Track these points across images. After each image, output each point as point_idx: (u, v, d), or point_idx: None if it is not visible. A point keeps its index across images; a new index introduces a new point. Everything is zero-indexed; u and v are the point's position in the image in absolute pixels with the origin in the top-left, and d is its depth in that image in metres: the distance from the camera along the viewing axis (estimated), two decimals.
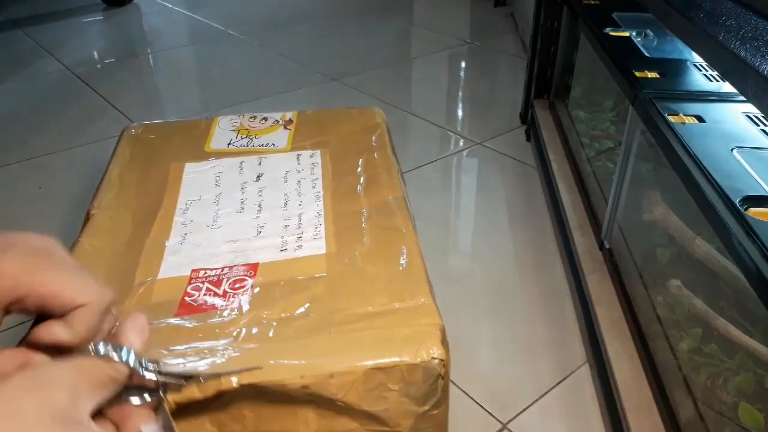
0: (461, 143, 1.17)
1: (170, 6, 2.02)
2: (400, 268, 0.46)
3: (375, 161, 0.58)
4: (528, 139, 1.16)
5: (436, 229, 0.93)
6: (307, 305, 0.42)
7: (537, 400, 0.64)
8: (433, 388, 0.40)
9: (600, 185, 0.84)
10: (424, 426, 0.41)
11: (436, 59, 1.58)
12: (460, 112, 1.34)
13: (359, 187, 0.55)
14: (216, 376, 0.37)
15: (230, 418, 0.38)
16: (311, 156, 0.60)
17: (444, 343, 0.40)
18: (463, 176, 1.09)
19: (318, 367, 0.38)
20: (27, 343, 0.30)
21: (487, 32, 1.77)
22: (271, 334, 0.40)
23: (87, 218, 0.52)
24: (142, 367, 0.30)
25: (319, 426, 0.39)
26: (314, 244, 0.48)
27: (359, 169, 0.57)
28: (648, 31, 0.82)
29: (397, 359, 0.38)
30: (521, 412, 0.63)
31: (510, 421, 0.62)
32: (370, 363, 0.38)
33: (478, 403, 0.64)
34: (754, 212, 0.45)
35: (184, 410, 0.37)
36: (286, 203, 0.53)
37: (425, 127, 1.22)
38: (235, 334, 0.40)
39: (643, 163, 0.69)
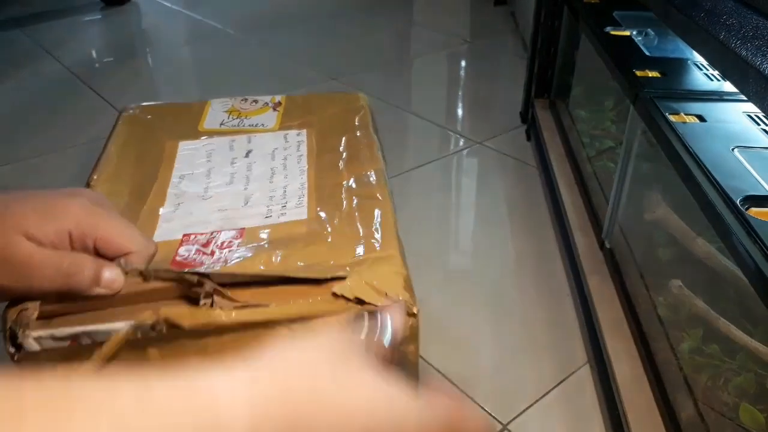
0: (461, 143, 1.17)
1: (169, 5, 2.02)
2: (374, 228, 0.50)
3: (357, 139, 0.62)
4: (528, 138, 1.16)
5: (435, 229, 0.92)
6: (288, 256, 0.46)
7: (537, 400, 0.64)
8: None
9: (601, 185, 0.84)
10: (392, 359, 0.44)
11: (436, 58, 1.58)
12: (460, 112, 1.34)
13: (341, 163, 0.58)
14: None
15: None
16: (297, 135, 0.63)
17: (407, 288, 0.44)
18: (463, 176, 1.09)
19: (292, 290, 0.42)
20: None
21: (487, 31, 1.77)
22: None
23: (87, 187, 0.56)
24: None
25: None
26: (297, 211, 0.52)
27: (341, 147, 0.60)
28: (649, 30, 0.82)
29: (362, 297, 0.42)
30: (522, 413, 0.63)
31: (510, 421, 0.62)
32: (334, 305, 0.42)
33: (479, 404, 0.64)
34: (755, 212, 0.45)
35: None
36: (272, 176, 0.57)
37: (425, 127, 1.22)
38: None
39: (644, 162, 0.69)
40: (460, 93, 1.44)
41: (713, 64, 0.54)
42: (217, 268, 0.46)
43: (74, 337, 0.42)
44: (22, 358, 0.42)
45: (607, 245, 0.77)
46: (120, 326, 0.41)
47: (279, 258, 0.46)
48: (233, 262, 0.46)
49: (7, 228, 0.36)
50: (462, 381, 0.66)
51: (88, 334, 0.42)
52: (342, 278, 0.42)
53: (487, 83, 1.47)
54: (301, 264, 0.45)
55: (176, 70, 1.54)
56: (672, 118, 0.59)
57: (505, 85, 1.43)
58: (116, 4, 1.94)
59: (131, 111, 0.67)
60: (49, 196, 0.38)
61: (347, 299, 0.42)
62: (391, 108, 1.25)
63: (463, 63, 1.59)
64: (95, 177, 0.56)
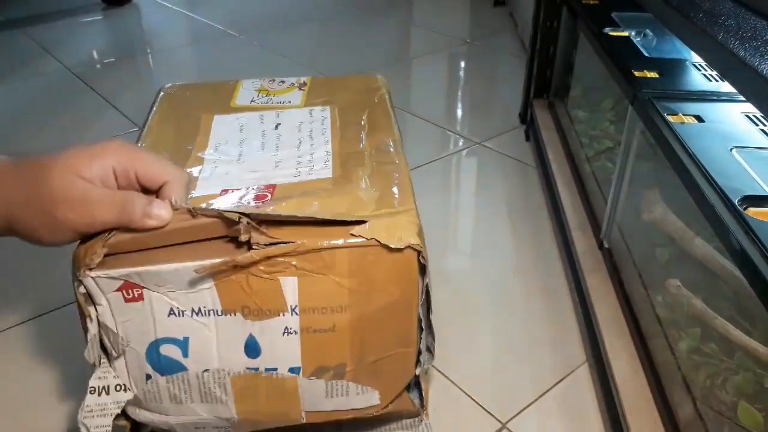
0: (461, 143, 1.17)
1: (170, 6, 2.02)
2: (392, 188, 0.54)
3: (376, 114, 0.67)
4: (527, 138, 1.16)
5: (435, 229, 0.93)
6: (315, 205, 0.50)
7: (536, 399, 0.64)
8: (408, 269, 0.49)
9: (599, 185, 0.84)
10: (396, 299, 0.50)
11: (435, 59, 1.58)
12: (459, 112, 1.34)
13: (362, 134, 0.63)
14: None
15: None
16: (322, 111, 0.68)
17: (420, 236, 0.48)
18: (462, 176, 1.09)
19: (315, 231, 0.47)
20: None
21: (486, 32, 1.77)
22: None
23: None
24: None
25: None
26: (323, 172, 0.57)
27: (362, 121, 0.65)
28: (647, 30, 0.82)
29: (378, 239, 0.47)
30: (520, 412, 0.63)
31: (509, 420, 0.62)
32: (353, 241, 0.47)
33: (478, 403, 0.64)
34: (753, 212, 0.46)
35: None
36: (299, 145, 0.62)
37: (424, 127, 1.22)
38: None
39: (643, 162, 0.69)
40: (459, 93, 1.44)
41: (711, 64, 0.54)
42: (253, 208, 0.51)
43: (127, 277, 0.46)
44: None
45: (606, 245, 0.77)
46: (172, 267, 0.46)
47: (307, 206, 0.51)
48: (265, 207, 0.51)
49: (64, 171, 0.41)
50: (461, 379, 0.66)
51: (139, 274, 0.46)
52: (363, 222, 0.47)
53: (486, 83, 1.47)
54: (320, 212, 0.50)
55: (177, 71, 1.55)
56: (670, 118, 0.59)
57: (504, 86, 1.43)
58: (117, 5, 1.95)
59: (170, 90, 0.73)
60: (88, 144, 0.43)
61: (365, 239, 0.47)
62: None
63: (462, 63, 1.59)
64: (140, 144, 0.62)
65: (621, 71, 0.70)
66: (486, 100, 1.37)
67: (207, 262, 0.45)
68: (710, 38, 0.46)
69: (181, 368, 0.50)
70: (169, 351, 0.49)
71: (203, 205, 0.50)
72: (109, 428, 0.50)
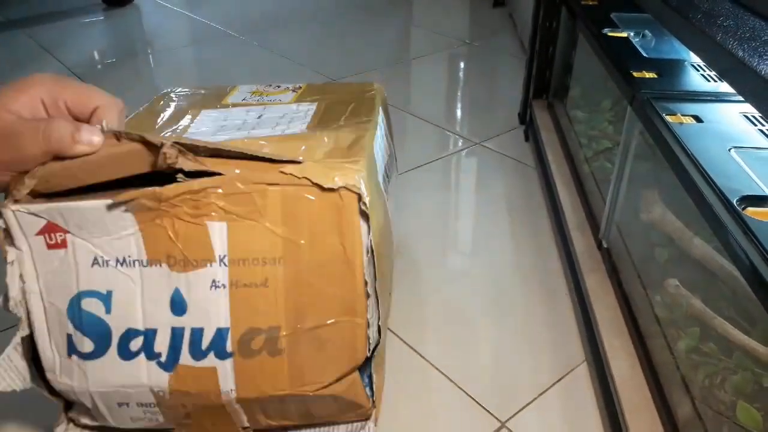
0: (460, 143, 1.17)
1: (170, 6, 2.02)
2: (350, 145, 0.53)
3: (360, 109, 0.65)
4: (527, 138, 1.16)
5: (434, 229, 0.93)
6: (264, 149, 0.50)
7: (535, 398, 0.65)
8: (349, 219, 0.46)
9: (598, 185, 0.84)
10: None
11: (435, 59, 1.59)
12: (458, 112, 1.34)
13: (342, 118, 0.62)
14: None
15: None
16: (308, 105, 0.67)
17: (364, 181, 0.47)
18: (462, 176, 1.09)
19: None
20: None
21: (485, 32, 1.77)
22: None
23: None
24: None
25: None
26: (296, 129, 0.59)
27: (346, 113, 0.64)
28: (646, 31, 0.82)
29: (310, 178, 0.45)
30: (520, 411, 0.63)
31: (509, 419, 0.62)
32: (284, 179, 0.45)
33: (477, 402, 0.64)
34: (751, 212, 0.46)
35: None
36: (275, 126, 0.61)
37: (424, 127, 1.23)
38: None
39: (641, 163, 0.69)
40: (458, 94, 1.44)
41: (710, 65, 0.54)
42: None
43: (48, 215, 0.44)
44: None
45: (605, 245, 0.77)
46: (93, 204, 0.44)
47: (253, 147, 0.49)
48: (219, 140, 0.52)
49: None
50: (460, 379, 0.66)
51: (60, 211, 0.44)
52: (297, 162, 0.45)
53: (486, 84, 1.47)
54: (266, 151, 0.48)
55: (177, 71, 1.55)
56: (669, 118, 0.59)
57: (503, 86, 1.43)
58: (117, 5, 1.95)
59: (167, 91, 0.74)
60: (17, 79, 0.42)
61: (297, 177, 0.44)
62: (390, 108, 1.25)
63: (461, 64, 1.59)
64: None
65: (620, 72, 0.70)
66: (485, 101, 1.37)
67: (128, 194, 0.43)
68: (709, 39, 0.47)
69: (103, 326, 0.46)
70: (91, 306, 0.46)
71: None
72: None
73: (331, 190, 0.44)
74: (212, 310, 0.46)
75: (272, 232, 0.45)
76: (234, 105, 0.68)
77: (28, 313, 0.46)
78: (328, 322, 0.47)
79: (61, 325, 0.47)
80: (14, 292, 0.45)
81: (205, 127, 0.62)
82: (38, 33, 1.74)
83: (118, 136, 0.44)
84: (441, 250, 0.89)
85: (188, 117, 0.64)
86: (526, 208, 0.97)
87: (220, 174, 0.44)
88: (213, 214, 0.44)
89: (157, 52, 1.66)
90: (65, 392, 0.49)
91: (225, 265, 0.45)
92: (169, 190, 0.43)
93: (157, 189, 0.43)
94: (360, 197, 0.45)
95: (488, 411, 0.63)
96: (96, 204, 0.43)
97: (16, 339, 0.46)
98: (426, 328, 0.74)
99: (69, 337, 0.47)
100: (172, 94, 0.73)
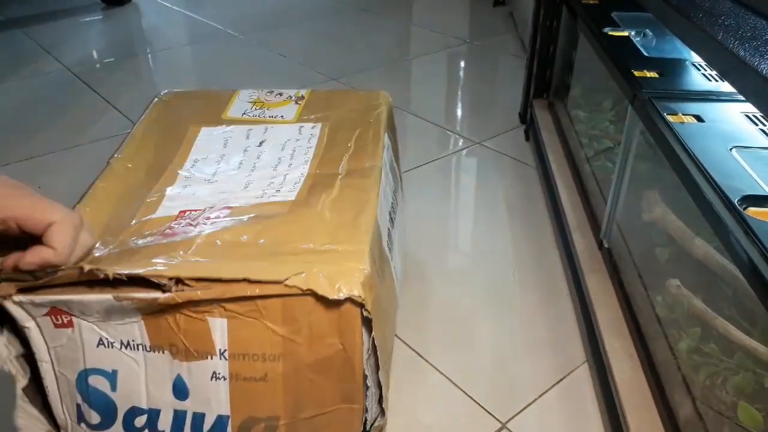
0: (460, 143, 1.17)
1: (169, 5, 2.02)
2: (352, 220, 0.51)
3: (367, 135, 0.64)
4: (527, 138, 1.16)
5: (435, 229, 0.93)
6: (259, 233, 0.49)
7: (536, 399, 0.64)
8: (350, 322, 0.45)
9: (599, 185, 0.84)
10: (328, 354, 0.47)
11: (435, 59, 1.58)
12: (459, 112, 1.34)
13: (345, 156, 0.61)
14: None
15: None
16: (312, 128, 0.66)
17: (365, 285, 0.45)
18: (462, 176, 1.09)
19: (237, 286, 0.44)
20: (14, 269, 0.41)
21: (486, 32, 1.77)
22: (217, 251, 0.47)
23: (105, 166, 0.60)
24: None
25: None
26: (288, 195, 0.55)
27: (350, 143, 0.63)
28: (647, 30, 0.82)
29: (314, 290, 0.44)
30: (520, 412, 0.63)
31: (509, 420, 0.62)
32: (287, 290, 0.44)
33: (478, 403, 0.64)
34: (753, 212, 0.46)
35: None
36: (277, 165, 0.60)
37: (424, 127, 1.22)
38: (186, 250, 0.47)
39: (642, 162, 0.69)
40: (459, 93, 1.44)
41: (711, 64, 0.54)
42: (196, 234, 0.49)
43: (53, 305, 0.45)
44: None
45: (606, 245, 0.77)
46: (97, 298, 0.44)
47: (254, 231, 0.49)
48: (208, 231, 0.50)
49: None
50: (461, 379, 0.66)
51: (65, 302, 0.44)
52: (299, 274, 0.44)
53: (486, 83, 1.47)
54: (264, 242, 0.48)
55: (177, 71, 1.55)
56: (670, 118, 0.59)
57: (504, 86, 1.43)
58: (116, 5, 1.94)
59: (164, 97, 0.72)
60: None
61: (301, 289, 0.44)
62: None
63: (462, 63, 1.59)
64: (117, 156, 0.61)
65: (621, 71, 0.70)
66: (486, 100, 1.37)
67: (131, 294, 0.44)
68: (710, 38, 0.46)
69: (109, 402, 0.48)
70: (98, 382, 0.48)
71: (155, 231, 0.50)
72: None
73: (336, 301, 0.44)
74: (213, 398, 0.47)
75: (272, 331, 0.45)
76: (234, 121, 0.68)
77: (42, 380, 0.48)
78: (326, 411, 0.49)
79: (71, 395, 0.48)
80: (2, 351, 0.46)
81: (205, 158, 0.61)
82: (37, 32, 1.73)
83: (113, 282, 0.44)
84: (441, 250, 0.89)
85: (188, 139, 0.64)
86: (526, 208, 0.97)
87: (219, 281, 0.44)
88: (214, 311, 0.45)
89: (156, 52, 1.66)
90: None
91: (225, 359, 0.46)
92: (167, 298, 0.43)
93: (160, 297, 0.43)
94: (363, 306, 0.45)
95: (489, 412, 0.63)
96: (99, 298, 0.44)
97: (18, 392, 0.47)
98: (426, 329, 0.74)
99: (78, 406, 0.49)
100: (170, 99, 0.72)
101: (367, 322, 0.45)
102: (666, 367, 0.58)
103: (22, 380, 0.47)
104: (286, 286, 0.44)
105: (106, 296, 0.44)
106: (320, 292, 0.44)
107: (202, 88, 0.76)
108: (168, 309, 0.45)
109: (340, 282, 0.44)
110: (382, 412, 0.51)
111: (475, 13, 1.93)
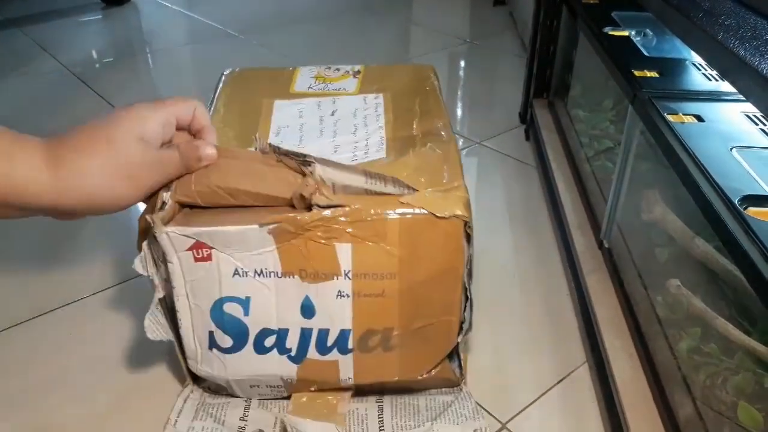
0: (460, 142, 1.17)
1: (169, 5, 2.02)
2: (443, 167, 0.56)
3: (428, 102, 0.70)
4: (527, 138, 1.16)
5: None
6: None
7: (536, 399, 0.64)
8: (455, 238, 0.52)
9: (599, 185, 0.84)
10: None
11: (435, 58, 1.58)
12: (459, 112, 1.34)
13: (415, 121, 0.66)
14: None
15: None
16: (375, 98, 0.71)
17: (467, 208, 0.52)
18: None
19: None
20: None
21: (486, 31, 1.77)
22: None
23: None
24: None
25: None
26: (377, 154, 0.61)
27: (416, 107, 0.68)
28: (647, 30, 0.82)
29: (426, 207, 0.51)
30: (520, 412, 0.63)
31: (509, 420, 0.62)
32: (403, 210, 0.51)
33: (477, 403, 0.64)
34: (753, 211, 0.46)
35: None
36: (355, 131, 0.65)
37: None
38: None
39: (642, 162, 0.69)
40: (459, 93, 1.44)
41: (711, 64, 0.54)
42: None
43: (198, 236, 0.50)
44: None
45: (606, 244, 0.77)
46: (240, 229, 0.50)
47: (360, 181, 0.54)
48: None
49: (125, 136, 0.46)
50: None
51: (209, 234, 0.50)
52: (413, 191, 0.51)
53: (486, 83, 1.47)
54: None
55: (176, 71, 1.54)
56: (670, 118, 0.59)
57: (503, 85, 1.43)
58: (116, 4, 1.94)
59: (231, 74, 0.78)
60: (139, 106, 0.48)
61: (415, 208, 0.50)
62: None
63: (462, 63, 1.59)
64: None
65: (621, 71, 0.70)
66: (486, 100, 1.37)
67: (272, 218, 0.49)
68: (710, 38, 0.46)
69: (242, 326, 0.54)
70: (232, 309, 0.53)
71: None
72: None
73: (443, 218, 0.50)
74: (337, 315, 0.54)
75: (389, 253, 0.51)
76: (302, 95, 0.73)
77: (176, 311, 0.54)
78: (432, 321, 0.56)
79: (204, 324, 0.54)
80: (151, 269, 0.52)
81: (287, 126, 0.67)
82: (36, 32, 1.73)
83: (276, 151, 0.51)
84: None
85: (265, 111, 0.69)
86: (526, 207, 0.97)
87: (348, 206, 0.50)
88: (341, 236, 0.50)
89: (156, 51, 1.66)
90: (203, 377, 0.58)
91: (349, 278, 0.52)
92: (307, 217, 0.49)
93: (297, 216, 0.49)
94: (466, 223, 0.51)
95: (489, 412, 0.63)
96: (242, 229, 0.50)
97: (155, 300, 0.53)
98: None
99: (211, 333, 0.54)
100: (237, 76, 0.77)
101: (468, 238, 0.53)
102: (666, 367, 0.58)
103: (160, 292, 0.53)
104: (401, 203, 0.50)
105: (251, 226, 0.49)
106: (431, 210, 0.50)
107: (260, 67, 0.82)
108: (300, 235, 0.50)
109: (446, 203, 0.51)
110: (470, 325, 0.57)
111: (475, 13, 1.93)
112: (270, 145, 0.51)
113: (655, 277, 0.64)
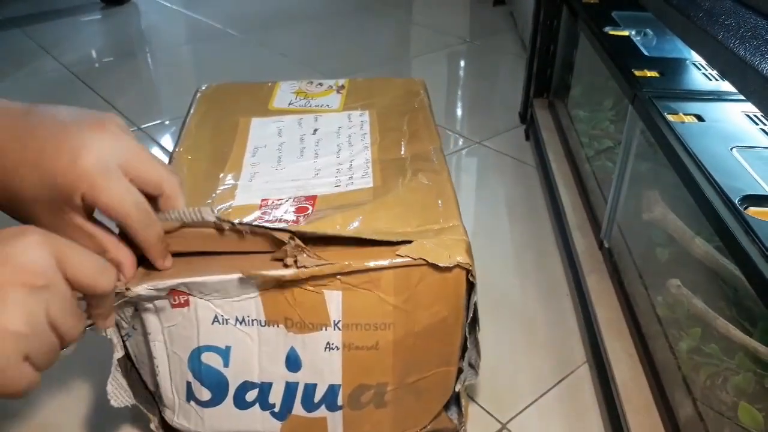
0: (460, 142, 1.17)
1: (168, 5, 2.02)
2: (437, 200, 0.53)
3: (417, 120, 0.66)
4: (527, 138, 1.16)
5: None
6: (358, 220, 0.50)
7: (536, 399, 0.64)
8: (456, 287, 0.48)
9: (599, 184, 0.84)
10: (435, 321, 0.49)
11: (435, 58, 1.58)
12: (459, 111, 1.34)
13: (403, 141, 0.62)
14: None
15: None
16: (360, 115, 0.67)
17: (469, 254, 0.48)
18: (462, 175, 1.09)
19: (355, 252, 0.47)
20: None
21: (486, 31, 1.77)
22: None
23: (170, 160, 0.61)
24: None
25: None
26: (363, 181, 0.56)
27: (404, 127, 0.64)
28: (648, 30, 0.82)
29: (425, 257, 0.46)
30: (520, 412, 0.63)
31: (509, 421, 0.62)
32: (400, 261, 0.46)
33: (478, 403, 0.64)
34: (753, 211, 0.45)
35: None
36: (338, 152, 0.61)
37: None
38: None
39: (643, 162, 0.69)
40: (459, 92, 1.44)
41: (712, 64, 0.54)
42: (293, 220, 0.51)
43: (173, 288, 0.46)
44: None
45: (606, 245, 0.77)
46: (220, 278, 0.46)
47: (350, 222, 0.50)
48: (307, 224, 0.50)
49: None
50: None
51: (185, 284, 0.46)
52: (408, 242, 0.46)
53: (486, 83, 1.47)
54: (361, 228, 0.49)
55: (176, 71, 1.54)
56: (670, 117, 0.59)
57: (504, 85, 1.43)
58: (116, 4, 1.94)
59: (206, 90, 0.73)
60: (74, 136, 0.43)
61: (412, 259, 0.46)
62: None
63: (462, 62, 1.59)
64: (178, 149, 0.61)
65: (621, 70, 0.70)
66: (486, 100, 1.37)
67: (258, 272, 0.45)
68: (710, 37, 0.46)
69: (221, 378, 0.50)
70: (211, 359, 0.49)
71: (246, 219, 0.50)
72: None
73: (445, 268, 0.47)
74: (326, 369, 0.49)
75: (384, 301, 0.47)
76: (281, 111, 0.68)
77: (153, 358, 0.49)
78: (428, 374, 0.52)
79: (182, 373, 0.50)
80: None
81: (264, 146, 0.62)
82: (36, 31, 1.73)
83: (242, 232, 0.46)
84: None
85: (241, 130, 0.65)
86: (526, 207, 0.97)
87: (338, 263, 0.45)
88: (330, 284, 0.46)
89: (156, 51, 1.66)
90: (179, 429, 0.53)
91: (339, 329, 0.48)
92: (292, 275, 0.45)
93: (284, 275, 0.45)
94: (468, 271, 0.48)
95: (489, 412, 0.63)
96: (222, 278, 0.46)
97: (114, 361, 0.48)
98: None
99: (188, 384, 0.50)
100: (213, 93, 0.73)
101: (470, 287, 0.49)
102: (666, 368, 0.58)
103: (119, 351, 0.49)
104: (398, 255, 0.46)
105: (231, 276, 0.45)
106: (431, 260, 0.46)
107: (239, 81, 0.77)
108: (286, 284, 0.46)
109: (447, 250, 0.47)
110: (475, 371, 0.54)
111: (475, 13, 1.93)
112: (240, 227, 0.46)
113: (655, 277, 0.64)
